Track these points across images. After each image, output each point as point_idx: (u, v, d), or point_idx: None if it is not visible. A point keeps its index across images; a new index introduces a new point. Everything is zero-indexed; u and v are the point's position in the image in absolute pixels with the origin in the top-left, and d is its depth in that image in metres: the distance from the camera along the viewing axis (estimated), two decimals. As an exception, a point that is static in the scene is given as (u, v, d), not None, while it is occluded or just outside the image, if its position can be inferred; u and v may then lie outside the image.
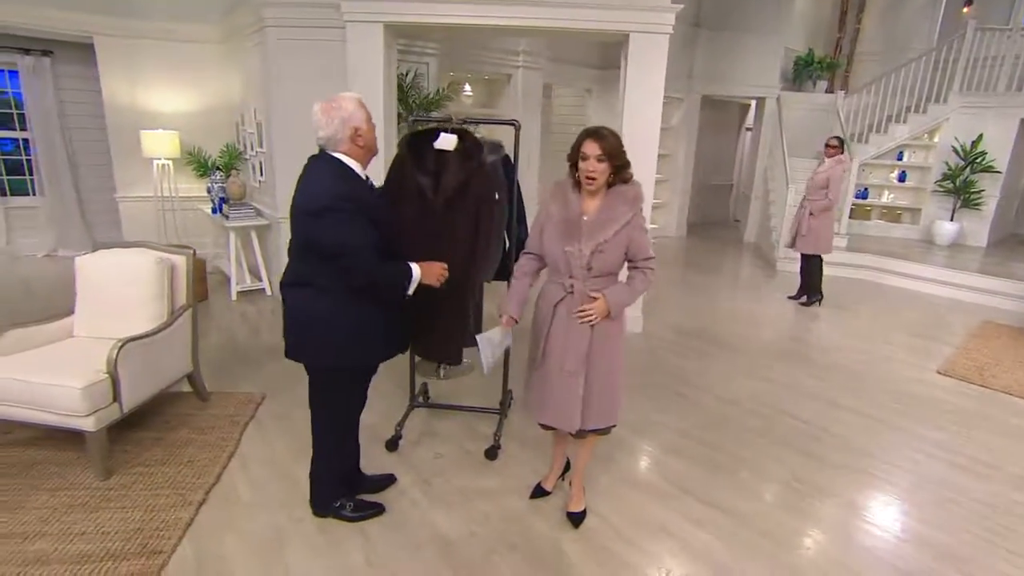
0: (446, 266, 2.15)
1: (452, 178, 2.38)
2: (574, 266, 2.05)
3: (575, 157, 2.04)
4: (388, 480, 2.58)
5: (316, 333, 2.03)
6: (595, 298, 2.06)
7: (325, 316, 2.01)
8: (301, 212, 1.92)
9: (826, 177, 5.21)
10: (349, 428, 2.31)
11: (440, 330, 2.46)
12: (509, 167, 2.68)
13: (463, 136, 2.43)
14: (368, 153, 2.05)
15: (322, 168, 1.97)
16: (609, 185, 2.05)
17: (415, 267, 2.07)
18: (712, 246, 8.76)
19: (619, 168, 2.02)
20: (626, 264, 2.15)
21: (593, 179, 2.00)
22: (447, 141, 2.40)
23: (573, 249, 2.03)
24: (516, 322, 2.25)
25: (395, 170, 2.48)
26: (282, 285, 2.08)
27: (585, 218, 2.04)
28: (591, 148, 1.97)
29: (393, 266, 2.04)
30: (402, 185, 2.43)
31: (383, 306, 2.09)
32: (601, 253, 2.02)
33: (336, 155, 1.98)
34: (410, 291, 2.07)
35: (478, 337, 2.20)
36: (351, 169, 2.00)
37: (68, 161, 6.34)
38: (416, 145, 2.47)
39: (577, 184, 2.08)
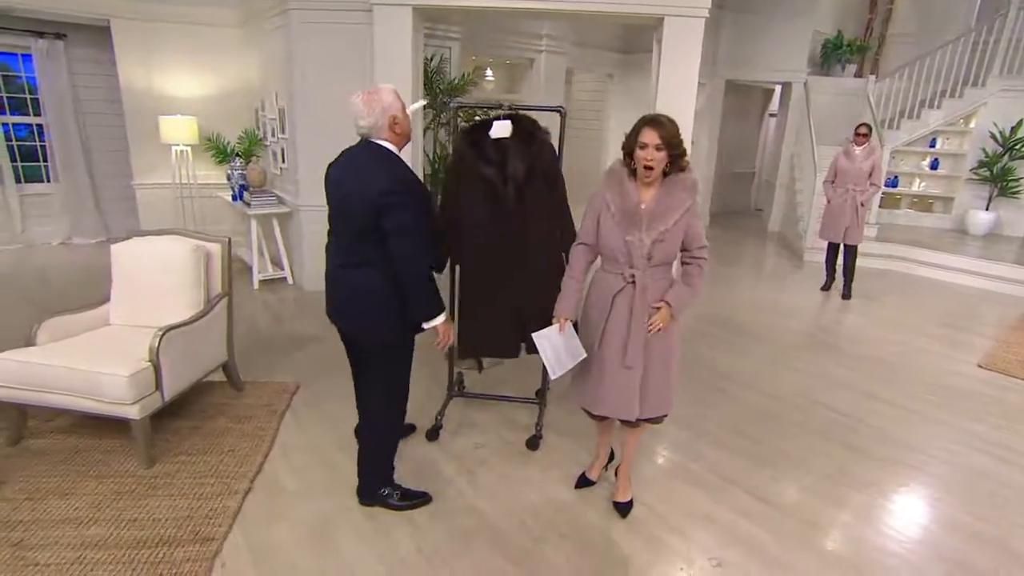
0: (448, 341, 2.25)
1: (518, 164, 2.42)
2: (635, 256, 2.07)
3: (630, 145, 2.04)
4: (407, 428, 2.83)
5: (379, 313, 2.15)
6: (657, 307, 2.10)
7: (387, 294, 2.12)
8: (365, 194, 2.02)
9: (872, 164, 5.23)
10: (402, 410, 2.44)
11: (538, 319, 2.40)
12: (553, 156, 2.72)
13: (517, 120, 2.47)
14: (404, 140, 2.20)
15: (377, 154, 2.11)
16: (665, 174, 2.06)
17: (443, 315, 2.18)
18: (735, 236, 8.75)
19: (676, 157, 2.02)
20: (679, 255, 2.18)
21: (651, 168, 2.00)
22: (502, 128, 2.44)
23: (634, 239, 2.05)
24: (570, 322, 2.28)
25: (455, 165, 2.53)
26: (336, 267, 2.19)
27: (643, 207, 2.05)
28: (650, 136, 1.97)
29: (434, 288, 2.15)
30: (462, 181, 2.49)
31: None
32: (661, 242, 2.04)
33: (380, 143, 2.12)
34: (425, 325, 2.17)
35: (535, 336, 2.22)
36: (399, 156, 2.15)
37: (82, 147, 6.40)
38: (473, 139, 2.51)
39: (632, 173, 2.09)
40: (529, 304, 2.63)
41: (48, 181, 6.55)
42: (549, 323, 2.24)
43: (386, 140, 2.12)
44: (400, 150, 2.18)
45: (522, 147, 2.49)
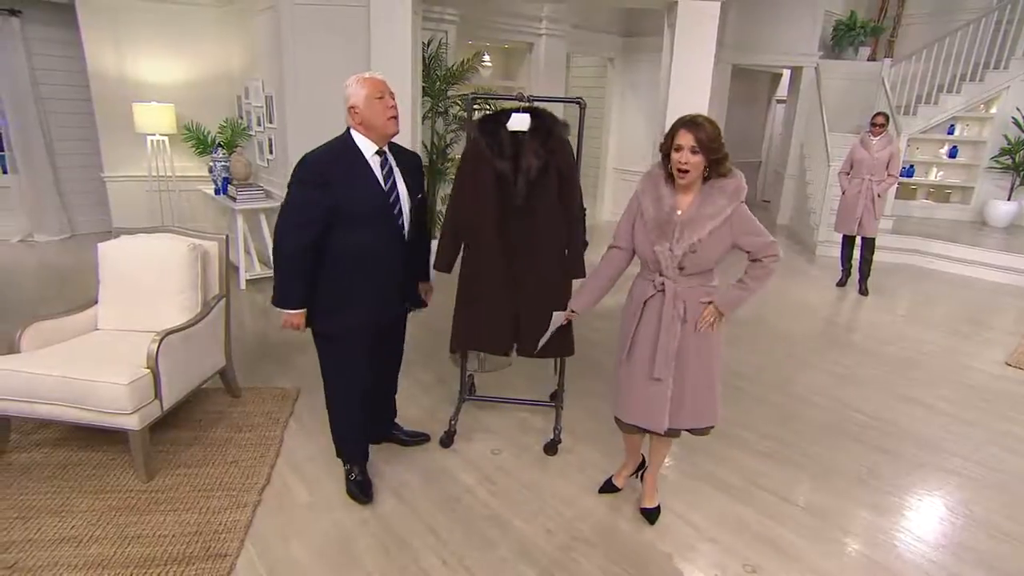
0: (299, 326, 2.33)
1: (533, 160, 2.48)
2: (664, 266, 2.11)
3: (668, 147, 2.06)
4: (421, 437, 2.96)
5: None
6: (704, 305, 2.15)
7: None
8: None
9: (889, 155, 5.37)
10: (348, 399, 2.52)
11: (535, 327, 2.60)
12: (570, 155, 2.79)
13: (536, 114, 2.53)
14: (370, 131, 2.24)
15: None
16: (706, 178, 2.08)
17: (292, 312, 2.29)
18: (744, 229, 8.86)
19: (716, 162, 2.02)
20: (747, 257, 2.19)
21: (686, 172, 2.01)
22: (521, 121, 2.50)
23: (663, 249, 2.09)
24: (576, 315, 2.46)
25: (469, 157, 2.59)
26: None
27: (679, 213, 2.08)
28: (685, 138, 1.98)
29: (291, 275, 2.25)
30: (476, 175, 2.55)
31: (352, 274, 2.30)
32: (694, 253, 2.06)
33: (349, 130, 2.27)
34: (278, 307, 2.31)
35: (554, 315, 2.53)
36: (350, 143, 2.25)
37: (44, 136, 6.32)
38: (488, 130, 2.57)
39: (670, 176, 2.11)
40: (529, 311, 2.73)
41: (5, 173, 6.47)
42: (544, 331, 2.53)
43: (354, 129, 2.26)
44: (380, 143, 2.27)
45: (539, 143, 2.56)
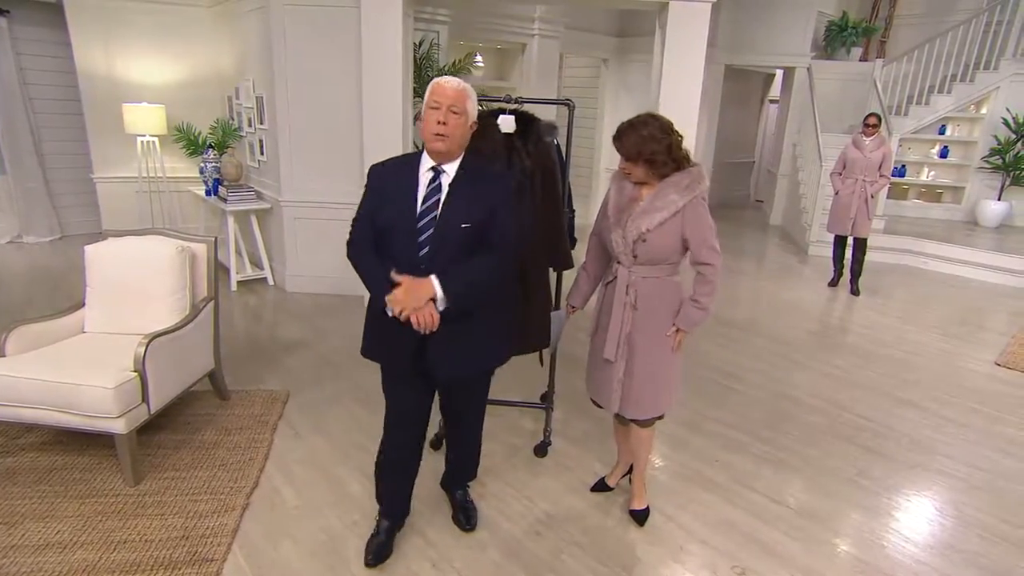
0: (437, 317, 1.89)
1: (525, 160, 2.49)
2: (618, 252, 2.22)
3: None
4: (467, 526, 2.46)
5: None
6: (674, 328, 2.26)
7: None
8: None
9: (882, 155, 5.39)
10: (386, 415, 2.25)
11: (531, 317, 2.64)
12: (559, 152, 2.79)
13: (521, 118, 2.54)
14: (426, 143, 1.93)
15: None
16: (664, 175, 2.14)
17: (394, 293, 1.88)
18: (735, 229, 8.89)
19: (649, 162, 2.10)
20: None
21: (628, 174, 2.18)
22: (506, 123, 2.50)
23: (617, 236, 2.19)
24: (575, 310, 2.55)
25: None
26: None
27: (640, 204, 2.16)
28: (616, 145, 2.16)
29: (362, 273, 2.00)
30: None
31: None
32: (644, 243, 2.14)
33: None
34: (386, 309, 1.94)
35: (553, 314, 2.59)
36: (416, 154, 2.02)
37: (32, 136, 6.28)
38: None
39: None
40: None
41: (-6, 174, 6.43)
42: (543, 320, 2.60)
43: None
44: (434, 157, 1.94)
45: (532, 145, 2.58)
